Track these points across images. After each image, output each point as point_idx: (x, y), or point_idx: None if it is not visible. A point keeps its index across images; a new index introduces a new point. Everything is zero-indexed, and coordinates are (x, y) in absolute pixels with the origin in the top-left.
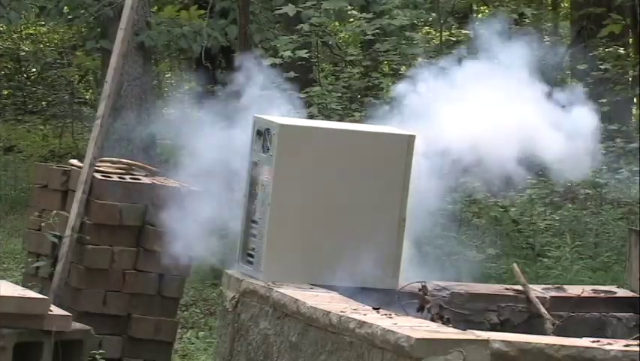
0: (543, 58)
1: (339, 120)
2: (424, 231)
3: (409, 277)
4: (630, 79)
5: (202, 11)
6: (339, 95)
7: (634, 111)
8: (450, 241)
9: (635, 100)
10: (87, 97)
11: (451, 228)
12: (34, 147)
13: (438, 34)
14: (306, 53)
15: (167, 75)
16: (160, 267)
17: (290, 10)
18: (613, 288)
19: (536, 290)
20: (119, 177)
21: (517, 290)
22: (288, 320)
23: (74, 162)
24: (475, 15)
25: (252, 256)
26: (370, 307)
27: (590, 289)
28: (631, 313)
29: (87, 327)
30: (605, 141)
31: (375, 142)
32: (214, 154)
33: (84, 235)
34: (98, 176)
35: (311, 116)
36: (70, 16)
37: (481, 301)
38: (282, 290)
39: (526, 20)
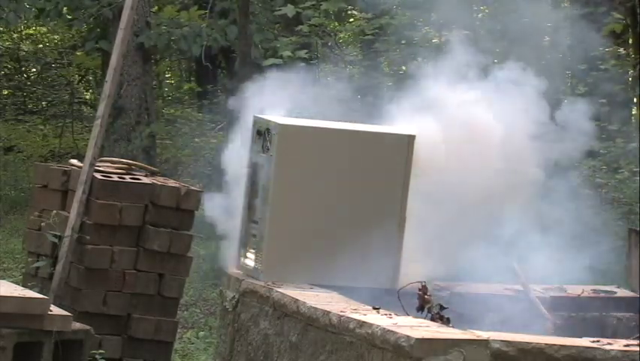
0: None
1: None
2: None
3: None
4: (630, 79)
5: (202, 11)
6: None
7: (634, 111)
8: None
9: (635, 100)
10: (87, 97)
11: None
12: (34, 147)
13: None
14: (305, 53)
15: (167, 75)
16: (160, 267)
17: (289, 10)
18: (613, 288)
19: (536, 290)
20: (119, 177)
21: (517, 290)
22: (288, 320)
23: (74, 162)
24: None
25: (252, 256)
26: (370, 307)
27: (590, 289)
28: (631, 313)
29: (87, 327)
30: (605, 140)
31: (375, 142)
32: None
33: (84, 235)
34: (98, 176)
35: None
36: (69, 17)
37: (481, 302)
38: (282, 290)
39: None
